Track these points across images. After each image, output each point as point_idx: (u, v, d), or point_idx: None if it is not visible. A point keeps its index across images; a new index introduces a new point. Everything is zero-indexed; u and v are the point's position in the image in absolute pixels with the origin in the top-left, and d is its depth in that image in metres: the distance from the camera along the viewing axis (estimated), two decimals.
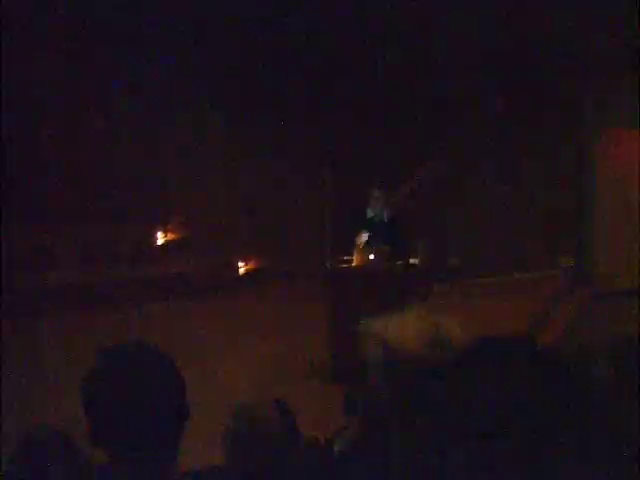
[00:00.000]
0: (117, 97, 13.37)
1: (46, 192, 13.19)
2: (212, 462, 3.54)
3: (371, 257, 8.74)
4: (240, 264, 13.40)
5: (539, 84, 12.85)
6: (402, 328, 2.50)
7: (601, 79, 12.55)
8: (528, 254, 13.16)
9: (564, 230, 13.26)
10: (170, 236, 13.67)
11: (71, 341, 10.15)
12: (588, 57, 12.56)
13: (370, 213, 9.23)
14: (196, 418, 2.12)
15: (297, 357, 9.38)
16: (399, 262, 8.89)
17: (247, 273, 13.46)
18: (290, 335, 10.23)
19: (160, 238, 13.58)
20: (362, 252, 8.74)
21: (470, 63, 12.89)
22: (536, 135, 13.15)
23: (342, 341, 8.50)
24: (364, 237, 8.79)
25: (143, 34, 13.05)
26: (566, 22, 12.49)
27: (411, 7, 12.78)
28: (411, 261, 8.92)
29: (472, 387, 1.39)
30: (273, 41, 13.04)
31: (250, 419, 3.20)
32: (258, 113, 13.33)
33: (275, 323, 10.85)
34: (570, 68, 12.79)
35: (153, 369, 2.02)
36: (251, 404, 3.32)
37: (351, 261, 8.85)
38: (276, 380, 8.59)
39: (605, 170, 13.11)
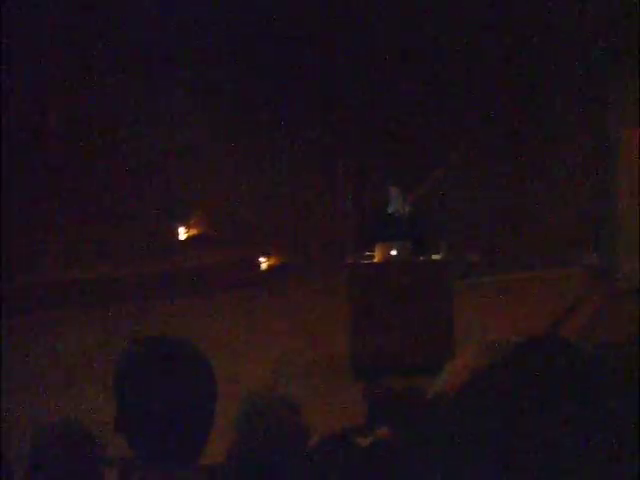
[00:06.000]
0: (136, 93, 13.40)
1: (67, 189, 13.29)
2: (223, 457, 3.55)
3: (393, 253, 8.72)
4: (261, 259, 13.41)
5: (563, 79, 12.79)
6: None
7: (625, 77, 12.46)
8: (549, 251, 13.10)
9: (586, 227, 13.18)
10: (192, 231, 13.70)
11: (89, 335, 10.22)
12: (611, 56, 12.48)
13: (391, 209, 9.22)
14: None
15: (317, 353, 9.39)
16: (420, 258, 8.88)
17: (268, 268, 13.47)
18: (310, 331, 10.24)
19: (182, 233, 13.60)
20: (383, 248, 8.74)
21: (486, 59, 12.85)
22: (557, 130, 13.07)
23: (363, 337, 8.52)
24: (394, 250, 8.75)
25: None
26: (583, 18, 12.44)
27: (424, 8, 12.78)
28: (432, 257, 8.91)
29: (510, 389, 1.37)
30: (292, 38, 13.05)
31: (255, 413, 3.21)
32: (278, 109, 13.34)
33: (295, 318, 10.86)
34: (594, 65, 12.72)
35: (186, 363, 2.03)
36: (257, 398, 3.32)
37: (372, 257, 8.84)
38: (295, 376, 8.60)
39: (628, 167, 13.02)
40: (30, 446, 3.15)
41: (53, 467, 3.04)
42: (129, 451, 2.09)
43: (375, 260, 8.80)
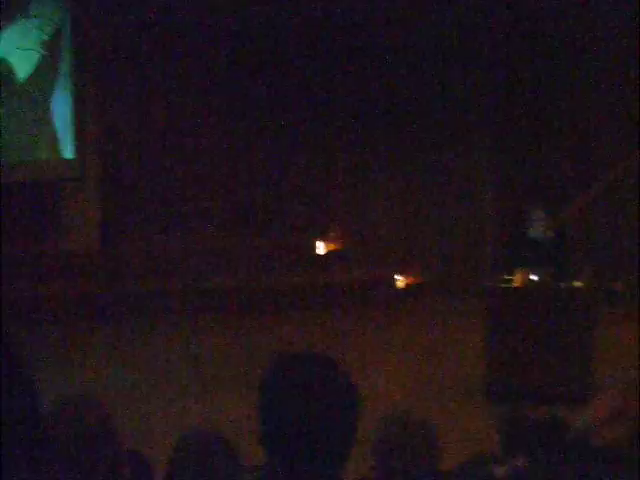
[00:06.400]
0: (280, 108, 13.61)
1: (214, 199, 13.68)
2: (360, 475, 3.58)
3: (533, 278, 8.59)
4: (398, 278, 13.40)
5: None
6: None
7: None
8: None
9: None
10: (331, 246, 13.80)
11: (226, 344, 10.45)
12: None
13: (533, 232, 9.08)
14: None
15: (452, 376, 9.30)
16: (562, 285, 8.71)
17: (405, 287, 13.45)
18: (445, 353, 10.15)
19: (321, 248, 13.71)
20: (524, 273, 8.61)
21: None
22: None
23: (500, 362, 8.42)
24: (534, 276, 8.62)
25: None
26: None
27: None
28: (574, 284, 8.71)
29: None
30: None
31: (391, 434, 3.23)
32: (421, 128, 13.33)
33: (431, 339, 10.79)
34: None
35: (331, 380, 2.06)
36: (393, 419, 3.34)
37: (512, 281, 8.72)
38: (429, 398, 8.55)
39: None
40: (170, 451, 3.26)
41: (192, 473, 3.13)
42: (266, 460, 2.14)
43: (514, 285, 8.68)
